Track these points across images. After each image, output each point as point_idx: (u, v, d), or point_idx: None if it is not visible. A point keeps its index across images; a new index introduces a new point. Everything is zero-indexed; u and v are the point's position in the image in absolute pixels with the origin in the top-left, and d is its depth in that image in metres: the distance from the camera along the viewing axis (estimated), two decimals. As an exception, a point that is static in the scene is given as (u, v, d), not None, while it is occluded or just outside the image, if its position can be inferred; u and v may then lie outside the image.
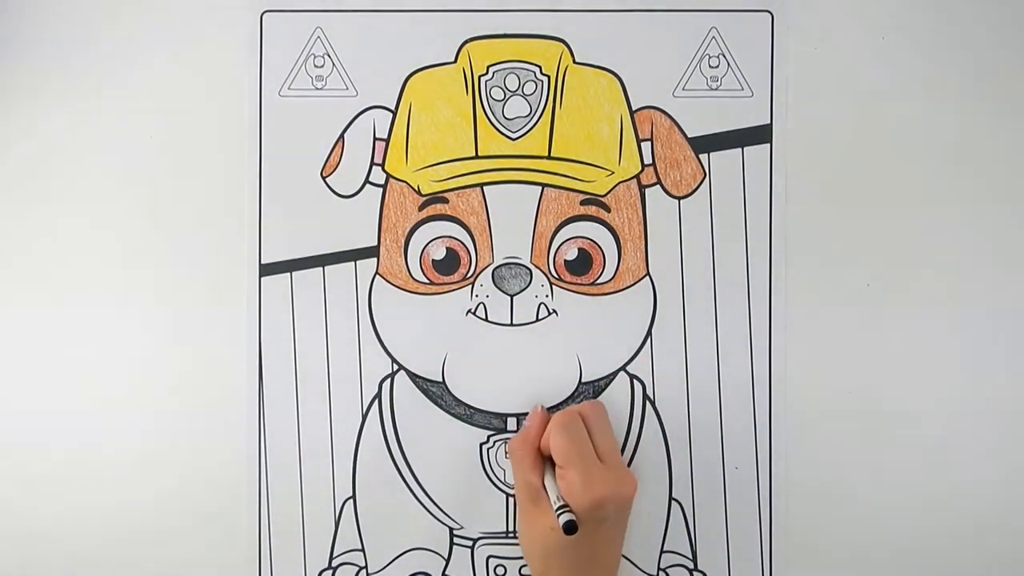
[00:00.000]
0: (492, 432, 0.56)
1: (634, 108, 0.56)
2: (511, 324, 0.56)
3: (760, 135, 0.56)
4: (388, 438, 0.57)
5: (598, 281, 0.56)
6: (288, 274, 0.56)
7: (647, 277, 0.56)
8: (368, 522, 0.57)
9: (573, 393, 0.56)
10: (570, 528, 0.46)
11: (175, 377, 0.57)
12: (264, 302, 0.56)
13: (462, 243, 0.56)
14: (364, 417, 0.57)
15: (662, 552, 0.56)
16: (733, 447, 0.56)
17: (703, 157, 0.56)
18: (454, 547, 0.57)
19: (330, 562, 0.57)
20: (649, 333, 0.56)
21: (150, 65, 0.56)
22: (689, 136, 0.56)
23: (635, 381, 0.56)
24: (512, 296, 0.56)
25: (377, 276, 0.56)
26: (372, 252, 0.56)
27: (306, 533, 0.57)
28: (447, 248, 0.56)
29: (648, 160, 0.56)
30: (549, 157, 0.56)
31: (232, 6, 0.56)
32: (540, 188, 0.56)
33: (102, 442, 0.57)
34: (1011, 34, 0.56)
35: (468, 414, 0.56)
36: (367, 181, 0.56)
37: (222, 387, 0.56)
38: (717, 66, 0.56)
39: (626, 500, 0.50)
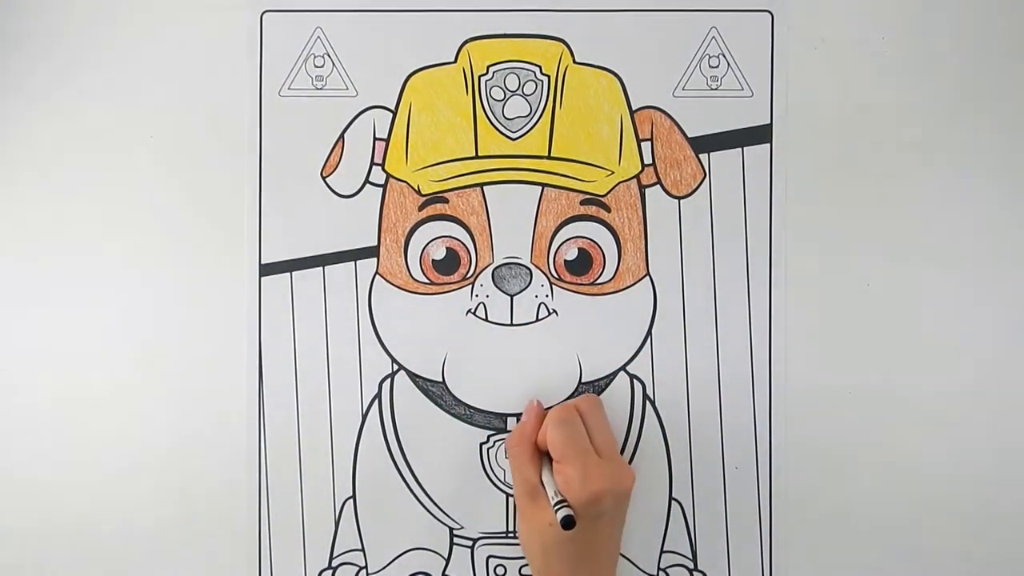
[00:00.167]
0: (492, 432, 0.56)
1: (634, 108, 0.56)
2: (511, 324, 0.56)
3: (760, 135, 0.56)
4: (388, 438, 0.57)
5: (598, 281, 0.56)
6: (288, 274, 0.56)
7: (647, 277, 0.56)
8: (368, 522, 0.57)
9: (573, 393, 0.56)
10: (568, 523, 0.46)
11: (175, 377, 0.57)
12: (264, 302, 0.56)
13: (462, 243, 0.56)
14: (364, 417, 0.57)
15: (662, 552, 0.56)
16: (733, 447, 0.56)
17: (703, 157, 0.56)
18: (454, 547, 0.57)
19: (330, 562, 0.57)
20: (649, 333, 0.56)
21: (150, 65, 0.56)
22: (689, 136, 0.56)
23: (635, 381, 0.56)
24: (512, 296, 0.56)
25: (377, 276, 0.56)
26: (372, 252, 0.56)
27: (306, 533, 0.57)
28: (447, 248, 0.56)
29: (648, 160, 0.56)
30: (549, 157, 0.56)
31: (232, 6, 0.56)
32: (540, 188, 0.56)
33: (102, 442, 0.57)
34: (1011, 34, 0.56)
35: (468, 414, 0.56)
36: (367, 181, 0.56)
37: (222, 387, 0.56)
38: (717, 66, 0.56)
39: (624, 493, 0.50)
